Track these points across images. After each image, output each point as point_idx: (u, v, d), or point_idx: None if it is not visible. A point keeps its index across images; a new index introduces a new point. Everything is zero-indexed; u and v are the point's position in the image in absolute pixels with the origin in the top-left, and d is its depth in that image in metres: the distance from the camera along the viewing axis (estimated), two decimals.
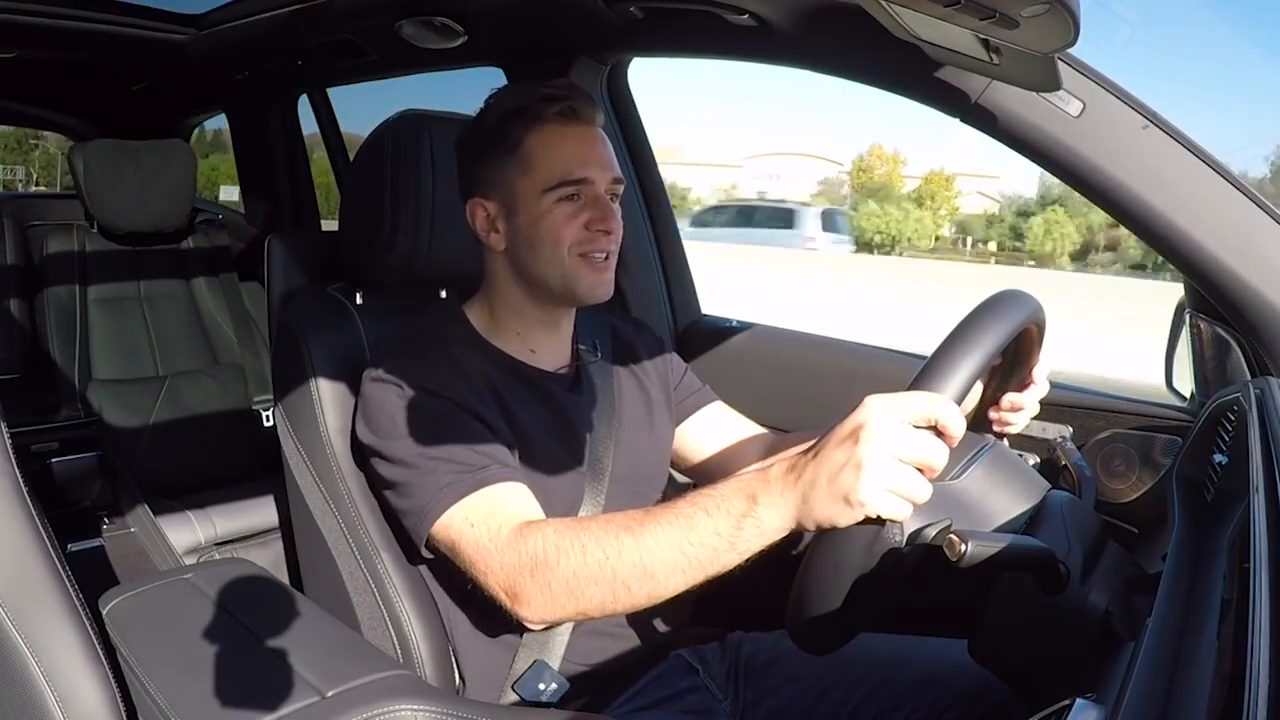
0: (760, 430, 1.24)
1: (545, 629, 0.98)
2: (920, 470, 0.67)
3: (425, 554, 0.97)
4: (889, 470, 0.66)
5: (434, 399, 0.96)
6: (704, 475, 1.22)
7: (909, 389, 0.71)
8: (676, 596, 0.80)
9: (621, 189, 1.05)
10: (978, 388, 0.98)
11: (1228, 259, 1.00)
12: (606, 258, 1.03)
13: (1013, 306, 0.78)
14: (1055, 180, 1.08)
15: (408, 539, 1.00)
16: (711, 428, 1.23)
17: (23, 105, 2.70)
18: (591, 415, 1.09)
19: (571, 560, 0.81)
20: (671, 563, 0.76)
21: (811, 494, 0.68)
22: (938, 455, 0.67)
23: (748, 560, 0.75)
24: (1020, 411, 0.96)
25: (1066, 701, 0.58)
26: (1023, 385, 0.95)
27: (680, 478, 1.30)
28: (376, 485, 1.04)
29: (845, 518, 0.67)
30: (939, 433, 0.67)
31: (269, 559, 1.67)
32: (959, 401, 0.69)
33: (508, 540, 0.86)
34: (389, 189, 1.14)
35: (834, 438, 0.69)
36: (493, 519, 0.89)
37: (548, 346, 1.10)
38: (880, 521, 0.67)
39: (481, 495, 0.91)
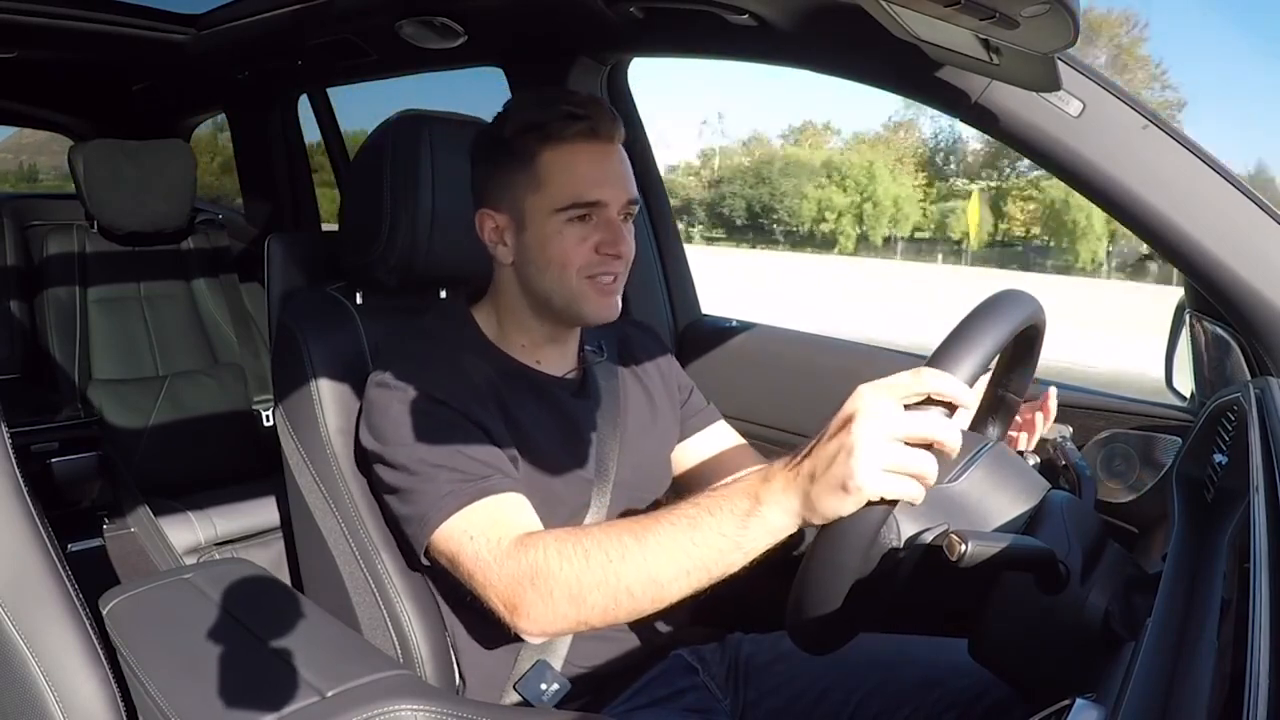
0: (756, 455, 1.24)
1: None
2: (929, 446, 0.66)
3: (425, 561, 0.97)
4: (883, 451, 0.65)
5: (438, 406, 0.96)
6: (696, 490, 1.22)
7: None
8: None
9: (636, 209, 1.02)
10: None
11: (1228, 259, 1.00)
12: (614, 280, 1.01)
13: (1016, 304, 0.78)
14: None
15: (409, 541, 1.00)
16: (713, 447, 1.22)
17: (23, 105, 2.70)
18: (597, 419, 1.09)
19: (574, 566, 0.80)
20: (676, 565, 0.75)
21: (812, 488, 0.68)
22: (938, 428, 0.66)
23: (752, 562, 0.74)
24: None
25: (1066, 701, 0.58)
26: (1023, 388, 0.95)
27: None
28: (378, 490, 1.03)
29: (847, 505, 0.67)
30: (949, 409, 0.67)
31: (269, 559, 1.68)
32: (970, 384, 0.69)
33: (507, 552, 0.85)
34: (389, 189, 1.14)
35: (829, 429, 0.69)
36: (492, 530, 0.88)
37: (554, 355, 1.09)
38: (888, 503, 0.67)
39: (482, 505, 0.90)
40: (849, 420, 0.67)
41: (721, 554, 0.73)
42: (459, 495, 0.91)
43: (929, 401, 0.67)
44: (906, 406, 0.67)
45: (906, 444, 0.66)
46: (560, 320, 1.05)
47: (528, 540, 0.85)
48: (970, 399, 0.68)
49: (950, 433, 0.67)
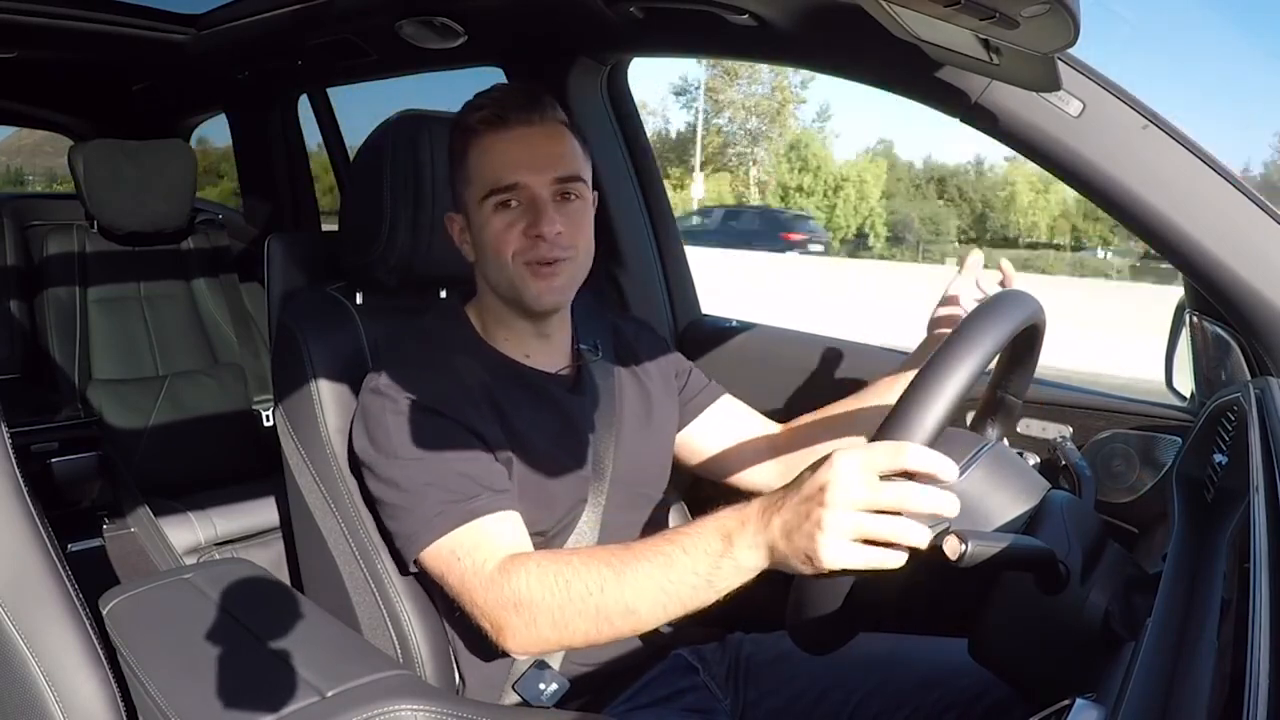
0: (768, 423, 1.24)
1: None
2: (901, 512, 0.66)
3: (414, 570, 0.98)
4: (851, 523, 0.66)
5: (431, 416, 0.96)
6: (717, 470, 1.23)
7: (875, 435, 0.70)
8: None
9: (574, 186, 1.00)
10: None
11: (1228, 259, 1.00)
12: (554, 264, 0.98)
13: (991, 326, 0.77)
14: None
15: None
16: (722, 423, 1.23)
17: (23, 105, 2.70)
18: (593, 416, 1.09)
19: (557, 596, 0.82)
20: (652, 599, 0.78)
21: (780, 544, 0.70)
22: (911, 499, 0.66)
23: (728, 597, 0.76)
24: None
25: (1066, 701, 0.58)
26: (1022, 389, 0.95)
27: (684, 475, 1.30)
28: (369, 499, 1.04)
29: (809, 572, 0.69)
30: (912, 478, 0.67)
31: (269, 559, 1.67)
32: (931, 441, 0.69)
33: (491, 576, 0.87)
34: (389, 189, 1.14)
35: (802, 492, 0.69)
36: (478, 552, 0.89)
37: (542, 349, 1.09)
38: (857, 573, 0.67)
39: (470, 528, 0.91)
40: (820, 492, 0.67)
41: (695, 590, 0.76)
42: (447, 517, 0.91)
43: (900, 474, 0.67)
44: (881, 477, 0.67)
45: (879, 512, 0.66)
46: (517, 310, 1.04)
47: (511, 566, 0.87)
48: (951, 474, 0.67)
49: (922, 500, 0.66)
